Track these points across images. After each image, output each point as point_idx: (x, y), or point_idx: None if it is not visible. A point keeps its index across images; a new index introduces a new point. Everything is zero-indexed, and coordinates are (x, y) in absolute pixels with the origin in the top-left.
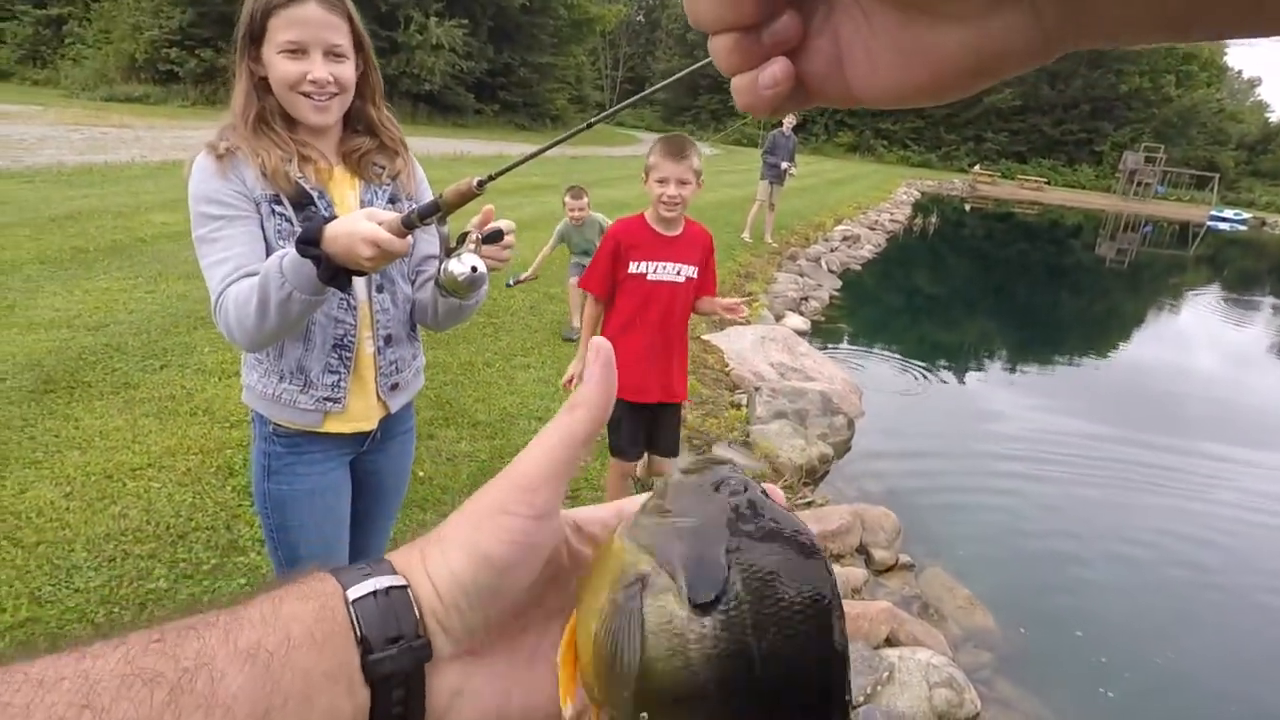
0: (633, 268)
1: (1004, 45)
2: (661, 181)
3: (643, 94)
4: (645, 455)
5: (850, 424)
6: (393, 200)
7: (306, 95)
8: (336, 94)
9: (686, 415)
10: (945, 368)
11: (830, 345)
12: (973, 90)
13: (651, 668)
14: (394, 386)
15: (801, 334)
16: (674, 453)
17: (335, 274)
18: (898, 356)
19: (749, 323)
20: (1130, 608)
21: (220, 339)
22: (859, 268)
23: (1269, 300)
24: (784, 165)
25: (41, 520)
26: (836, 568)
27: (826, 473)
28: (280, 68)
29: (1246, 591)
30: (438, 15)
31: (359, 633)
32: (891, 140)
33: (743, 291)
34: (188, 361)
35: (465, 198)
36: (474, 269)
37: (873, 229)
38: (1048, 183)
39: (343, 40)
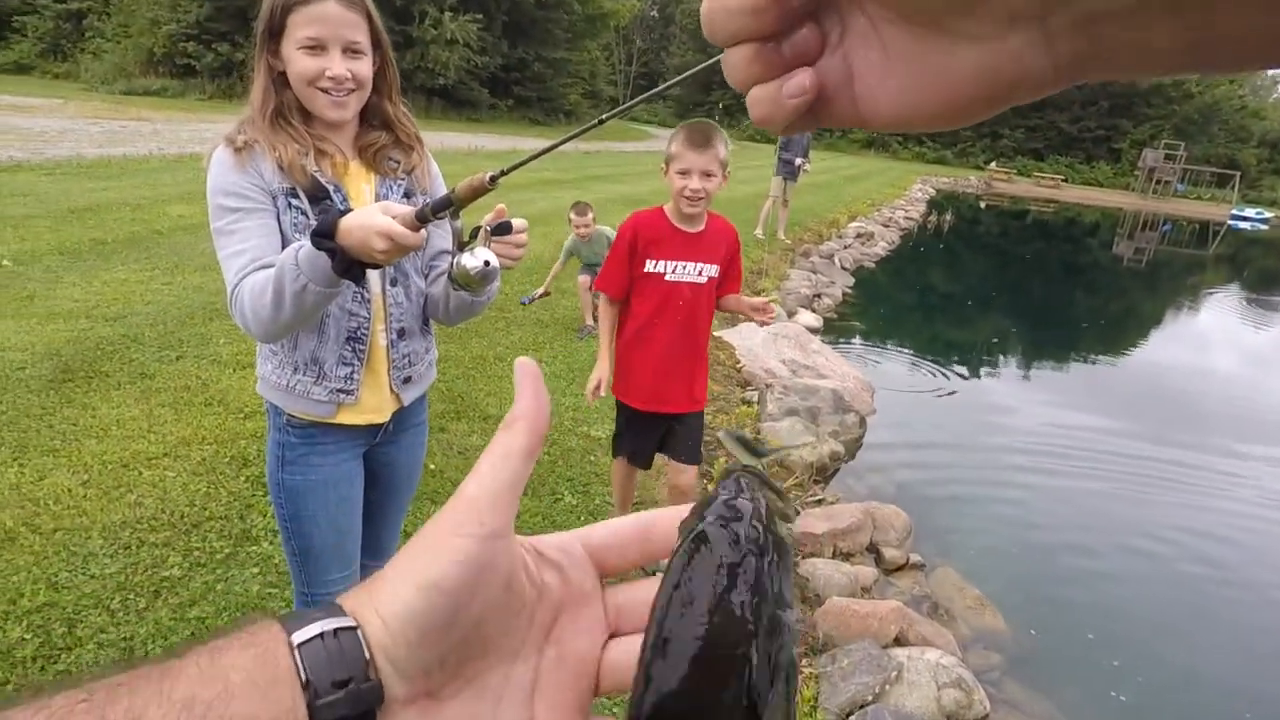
0: (649, 266)
1: (1018, 71)
2: (683, 173)
3: (657, 90)
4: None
5: (862, 422)
6: (407, 195)
7: (325, 91)
8: (354, 90)
9: None
10: (958, 366)
11: (843, 342)
12: (982, 117)
13: None
14: (407, 379)
15: (814, 331)
16: (695, 460)
17: (349, 267)
18: (910, 354)
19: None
20: (1144, 610)
21: (235, 331)
22: (872, 265)
23: None
24: (798, 161)
25: (59, 507)
26: (846, 566)
27: (837, 470)
28: (299, 63)
29: (1263, 593)
30: (452, 10)
31: (304, 677)
32: (907, 137)
33: (754, 289)
34: (203, 352)
35: (478, 192)
36: (487, 263)
37: (887, 226)
38: (1065, 180)
39: (361, 37)
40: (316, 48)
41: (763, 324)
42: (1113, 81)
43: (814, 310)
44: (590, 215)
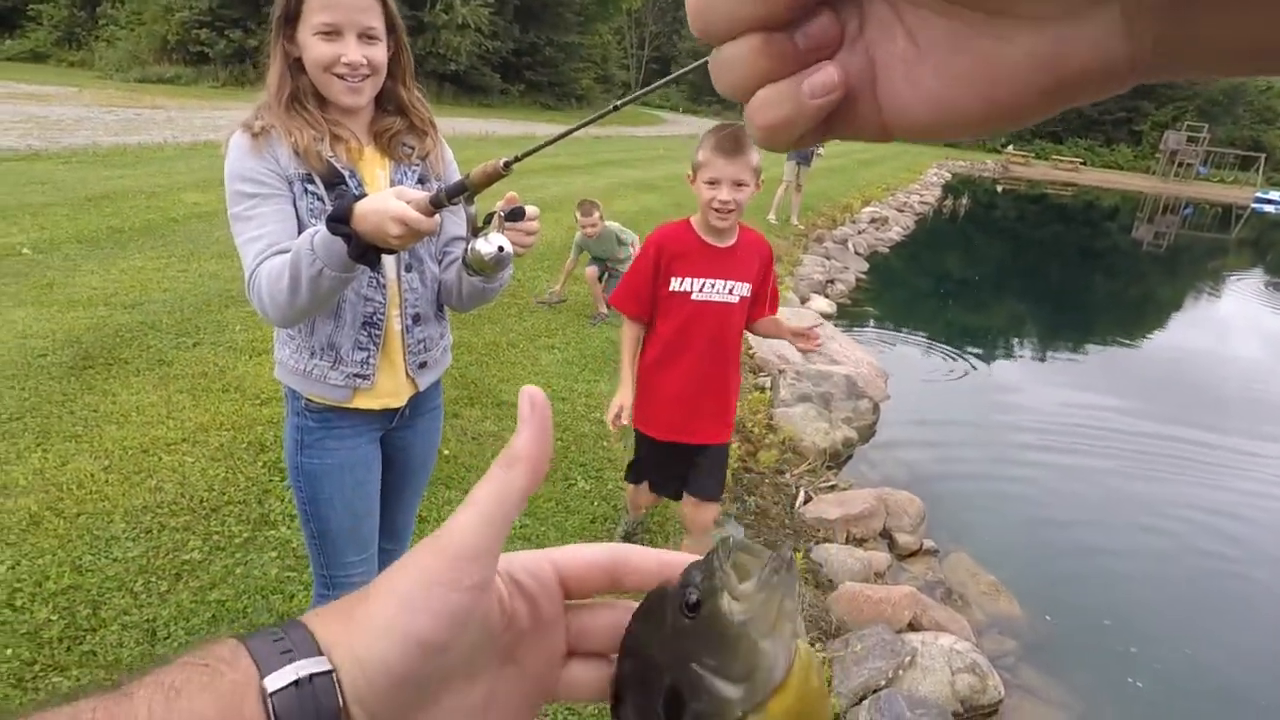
0: (674, 284)
1: (1089, 60)
2: (712, 183)
3: (672, 76)
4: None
5: (875, 408)
6: (421, 180)
7: (340, 77)
8: (369, 76)
9: None
10: (973, 352)
11: (856, 328)
12: (1035, 119)
13: None
14: (422, 365)
15: (827, 317)
16: (714, 497)
17: (364, 252)
18: (925, 340)
19: None
20: (1160, 597)
21: (251, 317)
22: (886, 250)
23: None
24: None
25: (82, 492)
26: (859, 552)
27: (850, 456)
28: (315, 49)
29: None
30: None
31: None
32: None
33: None
34: (220, 339)
35: (492, 178)
36: (501, 248)
37: (901, 211)
38: (1084, 163)
39: (376, 23)
40: (332, 33)
41: (805, 352)
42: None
43: (827, 296)
44: (596, 214)
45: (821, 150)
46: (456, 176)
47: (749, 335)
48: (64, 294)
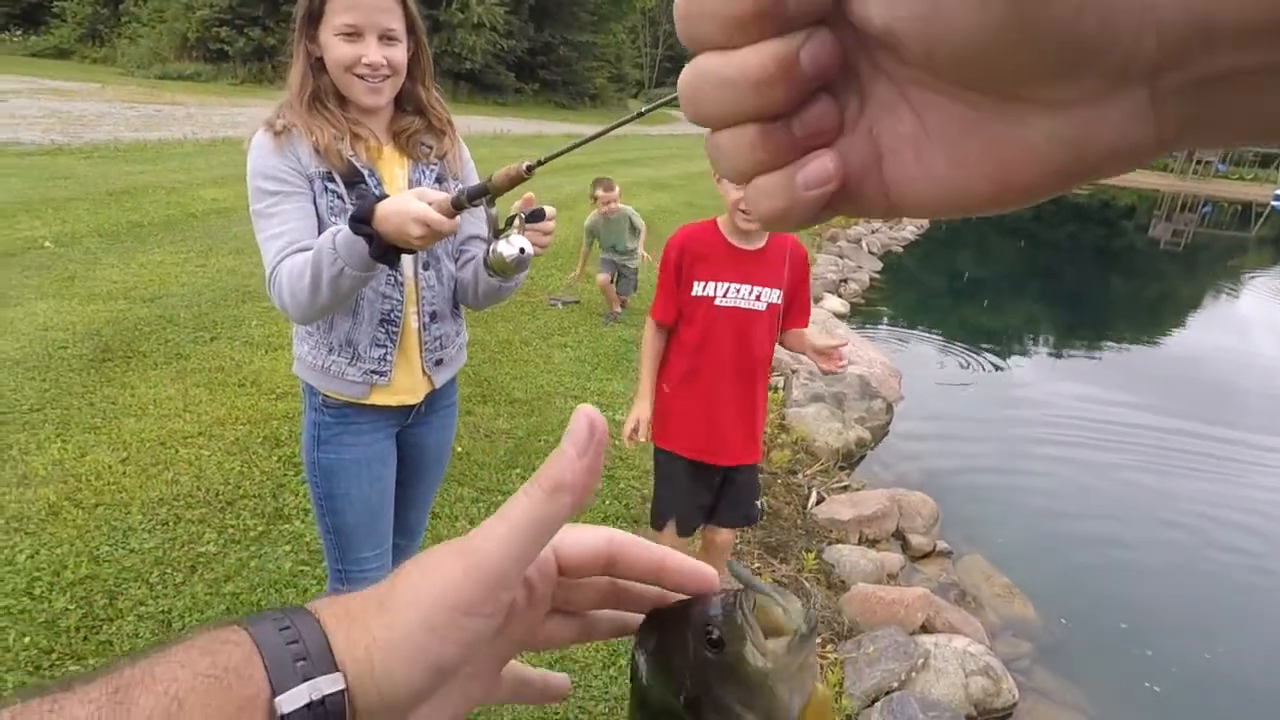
0: (697, 288)
1: (1112, 142)
2: None
3: (663, 101)
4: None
5: (889, 408)
6: (439, 180)
7: (361, 77)
8: (389, 76)
9: None
10: (987, 352)
11: (870, 328)
12: (1045, 197)
13: None
14: (438, 362)
15: (840, 316)
16: (748, 522)
17: (385, 251)
18: (939, 340)
19: None
20: (1178, 600)
21: (267, 313)
22: (900, 249)
23: None
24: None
25: (100, 483)
26: (872, 553)
27: (863, 457)
28: (336, 50)
29: None
30: None
31: None
32: None
33: None
34: (236, 334)
35: (515, 181)
36: (522, 250)
37: None
38: None
39: (397, 24)
40: (354, 34)
41: (827, 372)
42: None
43: (840, 295)
44: (617, 190)
45: None
46: (474, 176)
47: None
48: (84, 287)
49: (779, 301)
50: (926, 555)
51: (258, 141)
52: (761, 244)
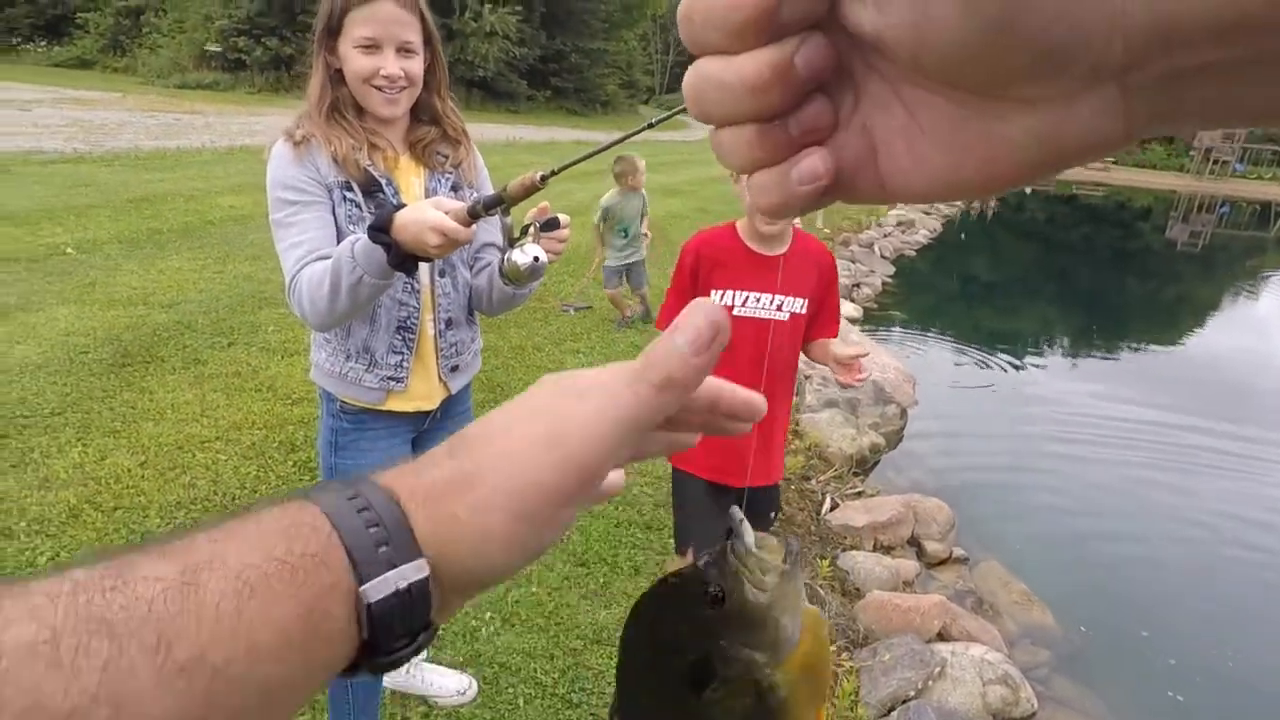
0: (714, 297)
1: (1085, 135)
2: None
3: (672, 113)
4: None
5: (903, 413)
6: (455, 188)
7: (378, 89)
8: (406, 88)
9: None
10: (1002, 356)
11: (883, 332)
12: (1032, 183)
13: None
14: (454, 368)
15: (853, 321)
16: None
17: (403, 260)
18: (952, 344)
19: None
20: (1201, 606)
21: (284, 319)
22: (913, 253)
23: None
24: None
25: (119, 486)
26: (887, 560)
27: (877, 463)
28: (355, 62)
29: None
30: (492, 1)
31: (365, 634)
32: None
33: None
34: (253, 340)
35: (530, 191)
36: (536, 259)
37: (928, 213)
38: (1115, 162)
39: (414, 36)
40: (372, 47)
41: (846, 386)
42: None
43: (853, 300)
44: (643, 163)
45: None
46: (488, 184)
47: None
48: (105, 293)
49: (803, 311)
50: (942, 562)
51: (277, 151)
52: (784, 249)
